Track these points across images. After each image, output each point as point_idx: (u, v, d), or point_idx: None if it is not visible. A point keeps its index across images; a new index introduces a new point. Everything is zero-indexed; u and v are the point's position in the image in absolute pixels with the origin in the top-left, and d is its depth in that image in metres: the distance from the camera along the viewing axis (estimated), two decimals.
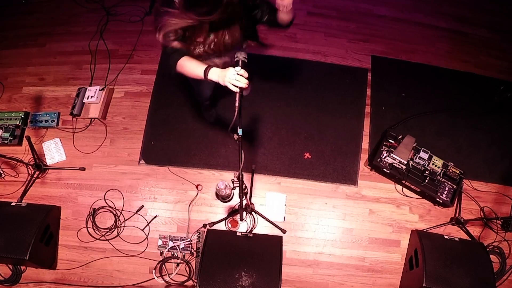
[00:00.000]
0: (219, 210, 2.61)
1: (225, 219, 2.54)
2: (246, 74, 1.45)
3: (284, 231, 2.54)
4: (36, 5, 3.38)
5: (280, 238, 2.33)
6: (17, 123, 2.79)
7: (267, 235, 2.51)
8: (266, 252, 2.22)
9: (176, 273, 2.44)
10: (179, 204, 2.62)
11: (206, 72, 1.51)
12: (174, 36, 1.53)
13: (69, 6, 3.34)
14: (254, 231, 2.54)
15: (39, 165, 2.61)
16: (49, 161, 2.73)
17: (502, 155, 2.83)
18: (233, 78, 1.43)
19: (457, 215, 2.61)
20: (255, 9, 1.66)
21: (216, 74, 1.50)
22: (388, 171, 2.58)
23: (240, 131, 1.62)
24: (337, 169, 2.73)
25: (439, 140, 2.83)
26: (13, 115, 2.82)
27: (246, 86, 1.44)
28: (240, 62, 1.48)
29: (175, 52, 1.57)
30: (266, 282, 2.08)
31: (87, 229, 2.54)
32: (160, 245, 2.48)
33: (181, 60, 1.57)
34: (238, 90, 1.44)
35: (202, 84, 2.12)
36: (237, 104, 1.46)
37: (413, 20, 3.33)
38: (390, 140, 2.64)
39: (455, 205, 2.61)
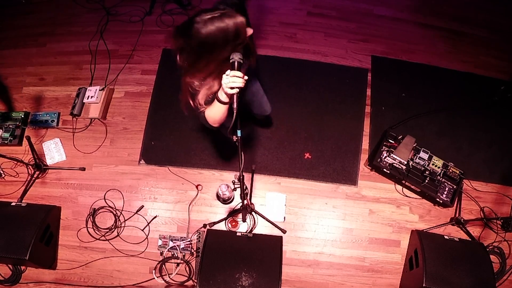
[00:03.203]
0: (219, 210, 2.61)
1: (225, 219, 2.54)
2: (238, 74, 1.41)
3: (284, 231, 2.54)
4: (36, 5, 3.38)
5: (280, 238, 2.33)
6: (17, 123, 2.79)
7: (267, 235, 2.51)
8: (266, 252, 2.22)
9: (176, 273, 2.44)
10: (179, 204, 2.62)
11: (217, 98, 1.50)
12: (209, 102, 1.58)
13: (69, 6, 3.34)
14: (254, 231, 2.54)
15: (39, 165, 2.61)
16: (49, 161, 2.73)
17: (502, 155, 2.83)
18: (227, 81, 1.41)
19: (457, 215, 2.61)
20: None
21: (221, 90, 1.48)
22: (388, 171, 2.58)
23: (239, 133, 1.60)
24: (337, 169, 2.73)
25: (439, 140, 2.83)
26: (13, 115, 2.82)
27: (243, 85, 1.41)
28: (236, 63, 1.44)
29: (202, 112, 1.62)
30: (266, 282, 2.08)
31: (87, 229, 2.55)
32: (160, 245, 2.48)
33: (205, 112, 1.60)
34: (235, 91, 1.41)
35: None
36: (235, 106, 1.44)
37: (413, 20, 3.33)
38: (390, 140, 2.63)
39: (455, 205, 2.61)
